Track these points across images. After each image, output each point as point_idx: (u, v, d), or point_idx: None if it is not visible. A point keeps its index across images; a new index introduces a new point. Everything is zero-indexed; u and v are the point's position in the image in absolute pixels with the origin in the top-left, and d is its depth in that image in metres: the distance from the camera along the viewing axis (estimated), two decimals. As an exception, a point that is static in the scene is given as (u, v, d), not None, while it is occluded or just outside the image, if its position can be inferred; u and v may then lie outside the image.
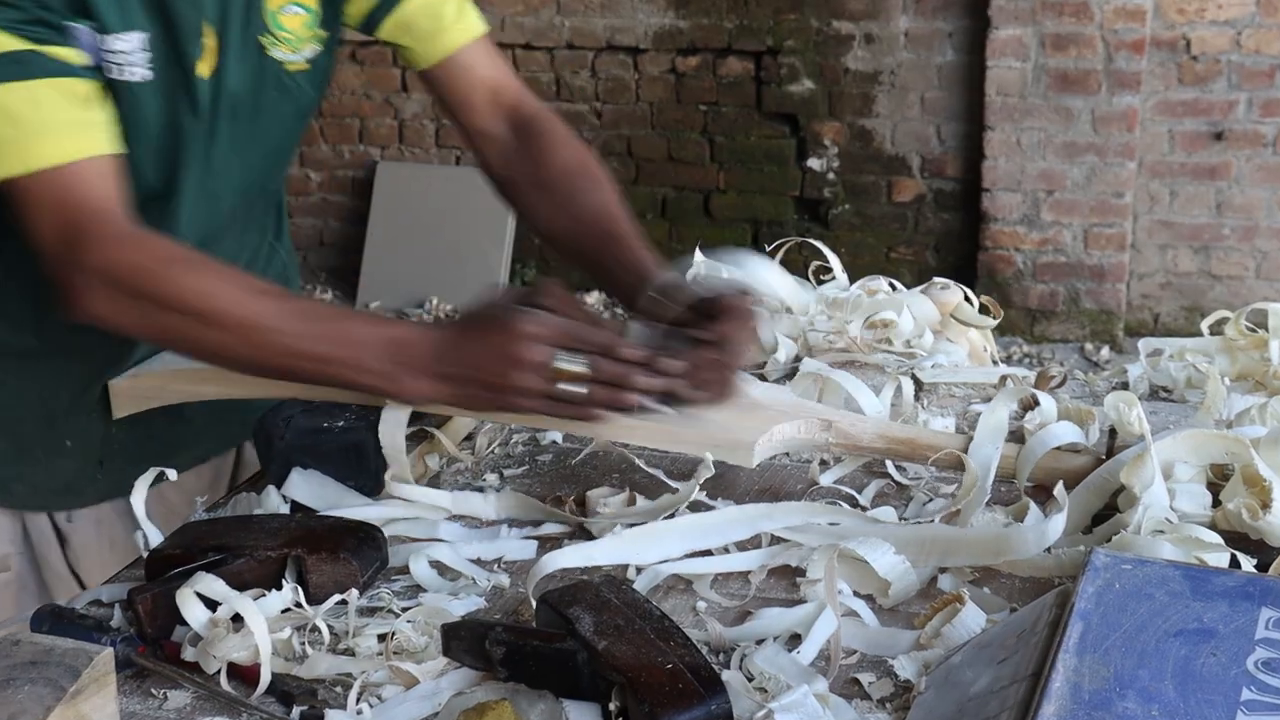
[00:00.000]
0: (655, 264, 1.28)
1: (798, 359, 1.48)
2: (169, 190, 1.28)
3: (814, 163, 4.76)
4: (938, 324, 1.55)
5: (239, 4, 1.25)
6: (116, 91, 1.20)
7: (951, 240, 4.69)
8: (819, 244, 1.69)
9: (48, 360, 1.34)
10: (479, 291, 1.20)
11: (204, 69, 1.25)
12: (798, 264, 1.70)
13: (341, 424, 1.18)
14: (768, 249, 1.72)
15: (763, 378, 1.42)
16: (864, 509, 1.16)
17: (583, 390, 1.11)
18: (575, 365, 1.11)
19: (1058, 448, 1.15)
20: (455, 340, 1.13)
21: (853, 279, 1.66)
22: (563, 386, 1.11)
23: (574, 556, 1.02)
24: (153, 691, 0.93)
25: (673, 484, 1.16)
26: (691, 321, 1.19)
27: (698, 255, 1.62)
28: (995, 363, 1.56)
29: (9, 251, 1.25)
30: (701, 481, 1.10)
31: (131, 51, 1.19)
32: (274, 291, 1.16)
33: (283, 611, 0.98)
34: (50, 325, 1.28)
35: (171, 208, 1.29)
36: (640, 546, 1.05)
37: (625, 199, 1.38)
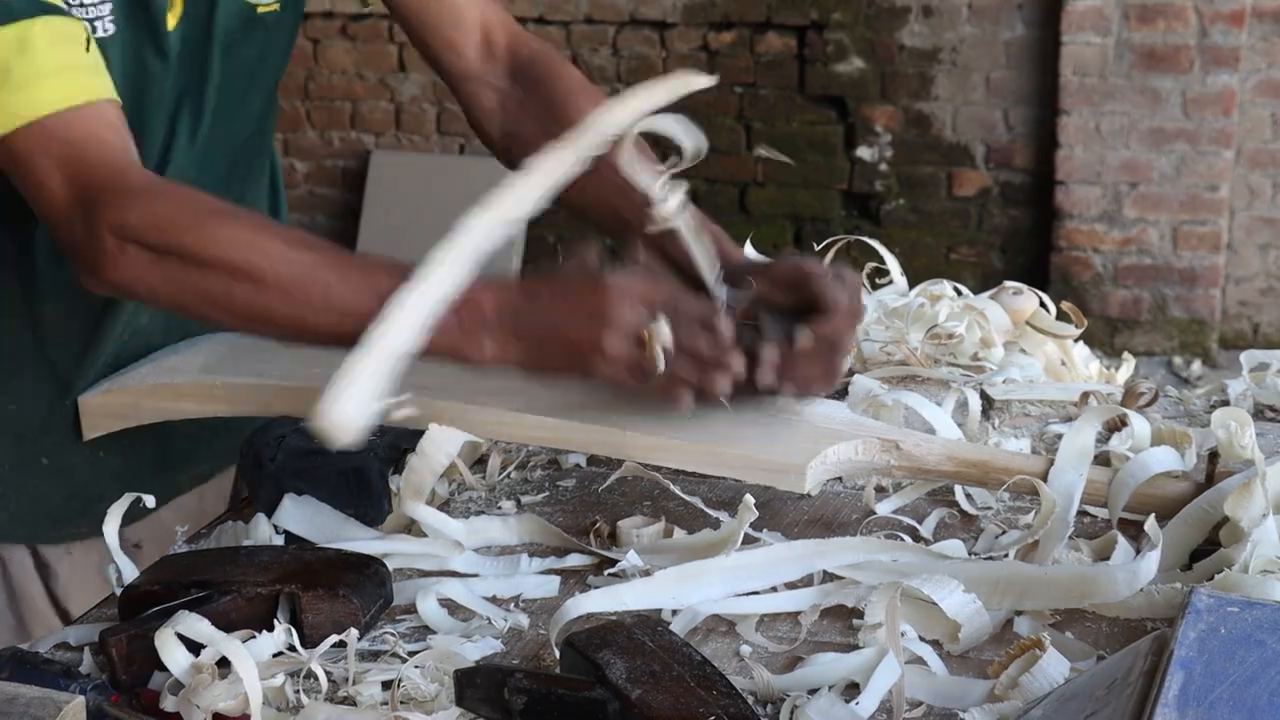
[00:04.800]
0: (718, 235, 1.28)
1: (850, 373, 1.48)
2: (146, 160, 1.29)
3: (864, 152, 4.76)
4: (1010, 334, 1.55)
5: None
6: None
7: (1020, 240, 4.69)
8: (873, 243, 1.70)
9: (11, 364, 1.35)
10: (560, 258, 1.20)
11: (171, 19, 1.27)
12: (846, 265, 1.70)
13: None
14: (815, 248, 1.73)
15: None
16: (927, 542, 1.16)
17: (667, 365, 1.12)
18: (671, 334, 1.12)
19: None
20: (537, 295, 1.14)
21: (909, 283, 1.66)
22: (657, 360, 1.11)
23: (603, 600, 1.02)
24: (129, 745, 0.93)
25: (712, 513, 1.17)
26: (784, 301, 1.19)
27: (747, 252, 1.62)
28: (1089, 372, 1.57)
29: None
30: (746, 525, 1.10)
31: (98, 3, 1.21)
32: (319, 244, 1.15)
33: (274, 655, 0.98)
34: (12, 322, 1.30)
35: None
36: (677, 588, 1.05)
37: None
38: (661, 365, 1.11)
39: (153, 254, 1.13)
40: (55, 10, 1.15)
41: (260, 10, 1.34)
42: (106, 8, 1.22)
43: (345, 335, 1.11)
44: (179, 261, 1.12)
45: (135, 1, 1.24)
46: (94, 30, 1.21)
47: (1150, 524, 1.07)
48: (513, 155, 1.37)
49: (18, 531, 1.41)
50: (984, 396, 1.42)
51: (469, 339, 1.12)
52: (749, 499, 1.10)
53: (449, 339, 1.12)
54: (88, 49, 1.18)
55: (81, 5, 1.20)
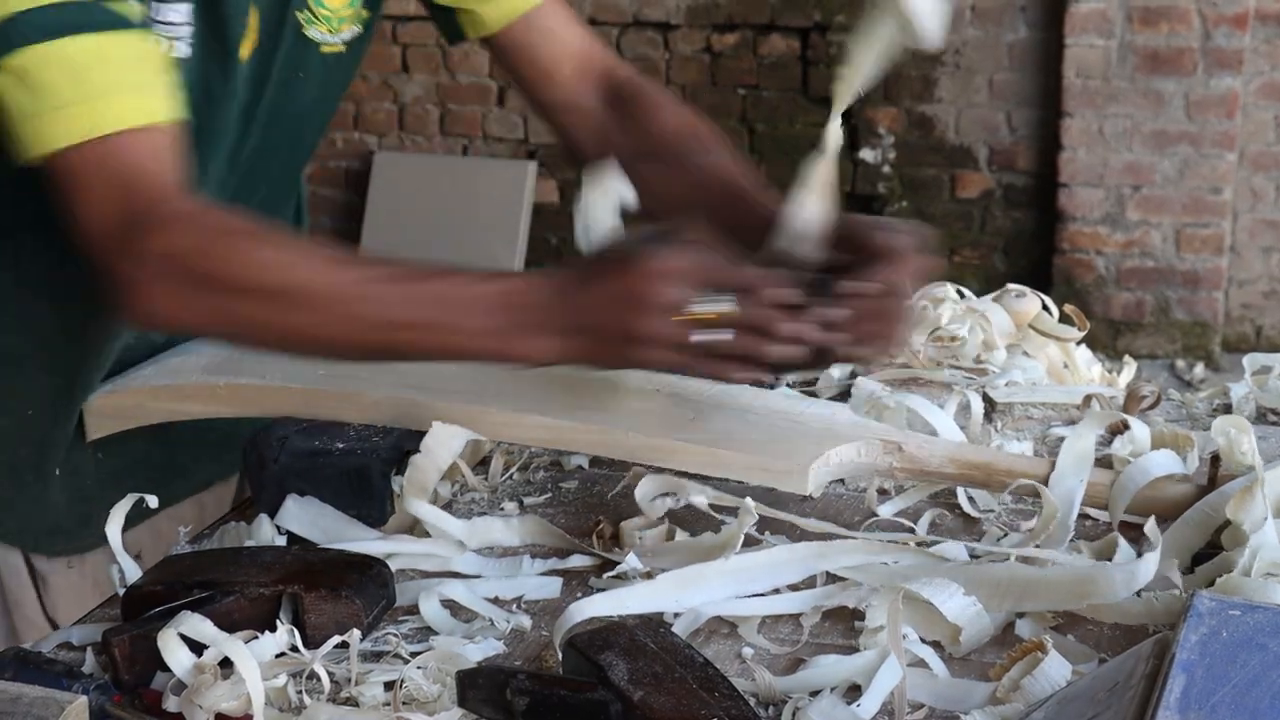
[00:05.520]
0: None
1: (853, 375, 1.48)
2: (199, 180, 1.29)
3: (867, 154, 4.77)
4: (1013, 337, 1.55)
5: None
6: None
7: (1023, 242, 4.69)
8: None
9: (28, 367, 1.36)
10: (606, 236, 1.16)
11: (244, 50, 1.27)
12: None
13: (342, 445, 1.19)
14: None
15: (813, 394, 1.43)
16: (922, 543, 1.16)
17: (724, 337, 1.07)
18: (716, 306, 1.06)
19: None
20: (575, 286, 1.09)
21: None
22: (697, 337, 1.07)
23: (605, 604, 1.02)
24: (131, 745, 0.93)
25: (717, 515, 1.17)
26: (844, 264, 1.14)
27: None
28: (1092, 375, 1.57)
29: None
30: (747, 528, 1.10)
31: (179, 24, 1.20)
32: (357, 259, 1.14)
33: (277, 656, 0.98)
34: (29, 324, 1.30)
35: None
36: (679, 592, 1.05)
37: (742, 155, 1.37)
38: (713, 341, 1.07)
39: (191, 285, 1.09)
40: (137, 26, 1.13)
41: (325, 50, 1.34)
42: (186, 30, 1.21)
43: (397, 348, 1.11)
44: (218, 290, 1.09)
45: (211, 29, 1.23)
46: (174, 51, 1.20)
47: (1150, 526, 1.07)
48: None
49: (27, 539, 1.41)
50: (986, 399, 1.42)
51: (518, 337, 1.09)
52: (749, 502, 1.10)
53: (495, 340, 1.09)
54: (164, 69, 1.15)
55: (167, 24, 1.19)
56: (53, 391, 1.36)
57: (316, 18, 1.31)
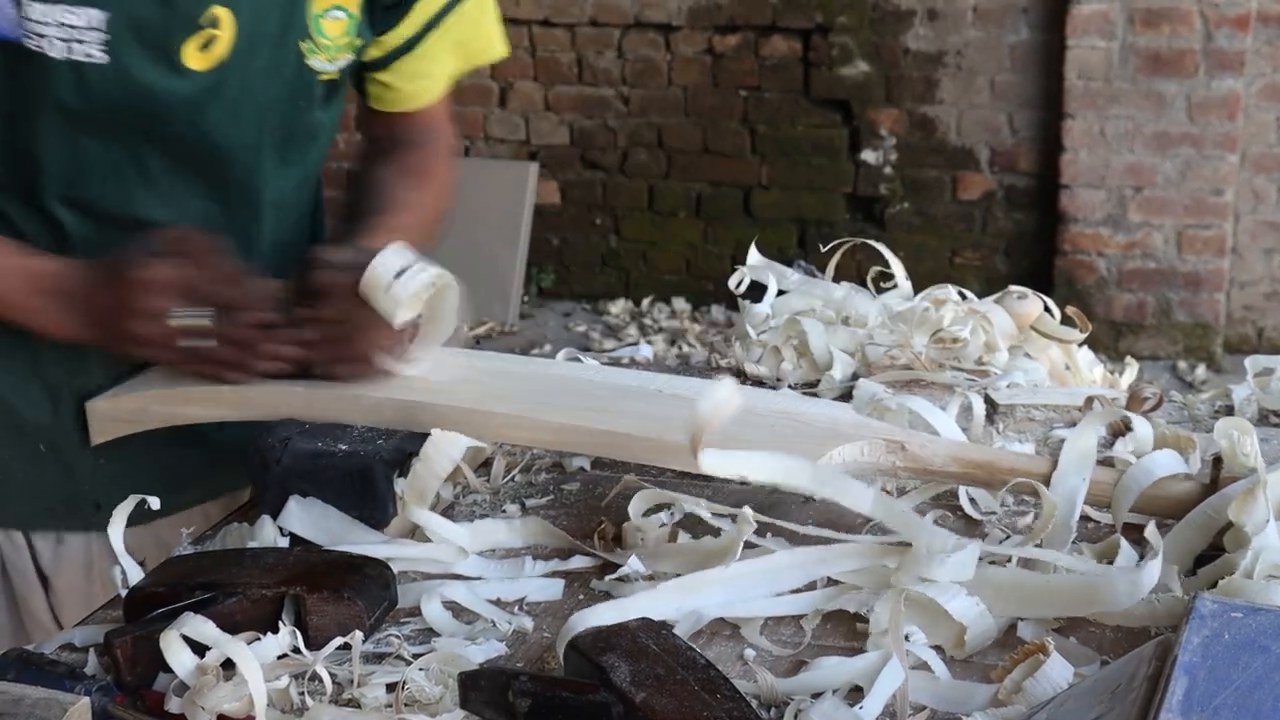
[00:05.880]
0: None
1: (855, 377, 1.48)
2: (150, 187, 1.33)
3: (869, 155, 4.77)
4: (1015, 338, 1.55)
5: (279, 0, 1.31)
6: (42, 64, 1.24)
7: (1024, 243, 4.69)
8: (880, 246, 1.70)
9: (12, 363, 1.36)
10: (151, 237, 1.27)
11: (199, 60, 1.29)
12: (851, 268, 1.70)
13: (345, 447, 1.19)
14: (822, 249, 1.73)
15: (815, 395, 1.43)
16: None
17: (206, 345, 1.23)
18: (192, 320, 1.21)
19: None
20: (92, 279, 1.25)
21: (913, 287, 1.66)
22: (184, 342, 1.23)
23: (607, 613, 1.02)
24: (134, 746, 0.93)
25: (716, 523, 1.17)
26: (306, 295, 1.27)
27: (753, 256, 1.62)
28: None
29: None
30: (746, 535, 1.10)
31: (81, 29, 1.23)
32: None
33: (279, 657, 0.98)
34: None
35: (167, 211, 1.34)
36: (681, 599, 1.05)
37: (432, 215, 1.54)
38: (196, 348, 1.23)
39: None
40: None
41: (323, 78, 1.39)
42: (95, 35, 1.24)
43: None
44: None
45: (147, 34, 1.26)
46: (69, 52, 1.23)
47: (1151, 530, 1.07)
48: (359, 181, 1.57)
49: (12, 515, 1.42)
50: (988, 401, 1.42)
51: (47, 312, 1.26)
52: (748, 511, 1.10)
53: (25, 313, 1.26)
54: None
55: (54, 25, 1.22)
56: (45, 390, 1.37)
57: (318, 47, 1.36)
